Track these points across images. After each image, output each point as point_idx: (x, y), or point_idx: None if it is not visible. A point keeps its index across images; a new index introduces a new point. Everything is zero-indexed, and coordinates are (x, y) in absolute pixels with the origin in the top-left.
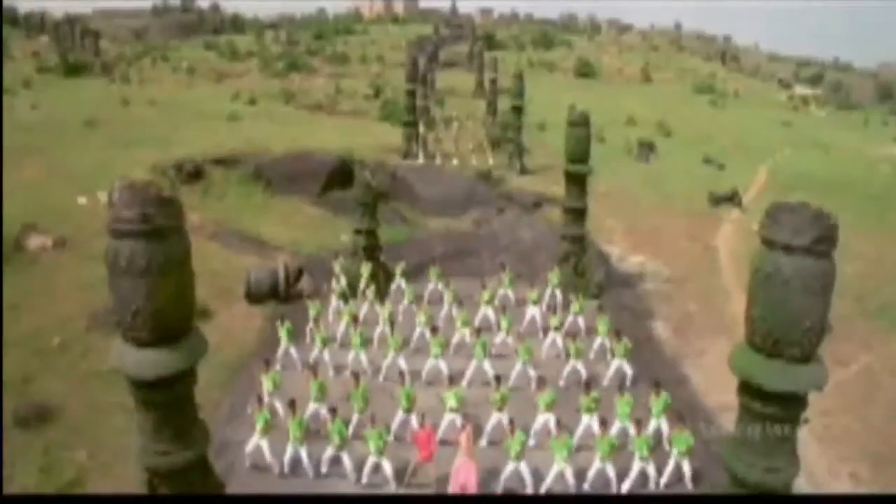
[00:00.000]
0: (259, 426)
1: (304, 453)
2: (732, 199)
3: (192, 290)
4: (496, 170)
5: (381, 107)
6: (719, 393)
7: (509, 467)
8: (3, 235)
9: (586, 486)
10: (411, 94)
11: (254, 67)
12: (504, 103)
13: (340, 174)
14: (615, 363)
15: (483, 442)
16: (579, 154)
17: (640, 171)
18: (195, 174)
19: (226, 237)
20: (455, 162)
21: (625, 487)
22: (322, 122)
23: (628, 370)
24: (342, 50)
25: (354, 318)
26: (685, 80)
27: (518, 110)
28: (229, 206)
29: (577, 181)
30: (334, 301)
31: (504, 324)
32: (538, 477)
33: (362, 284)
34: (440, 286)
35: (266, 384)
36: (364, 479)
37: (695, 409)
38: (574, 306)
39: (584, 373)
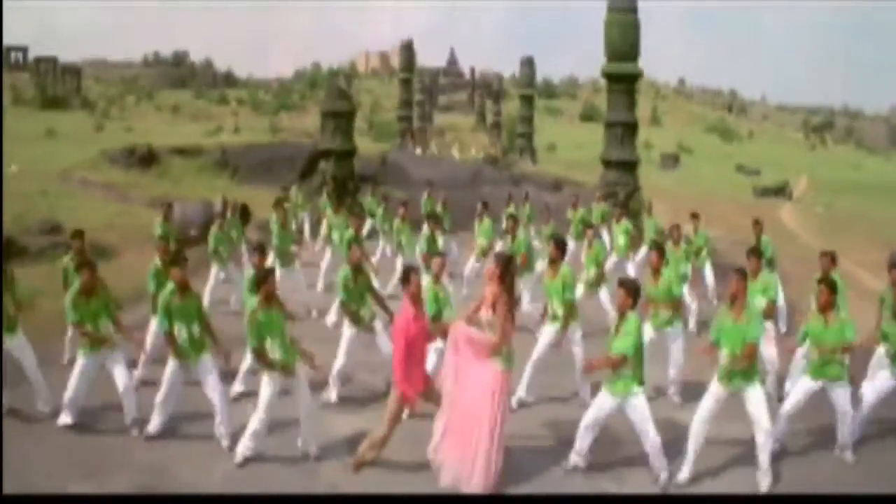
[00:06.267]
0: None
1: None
2: (783, 190)
3: None
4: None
5: (375, 132)
6: None
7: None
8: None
9: None
10: (406, 82)
11: (242, 112)
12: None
13: (322, 159)
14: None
15: (521, 391)
16: (626, 48)
17: (667, 175)
18: (148, 159)
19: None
20: (456, 154)
21: None
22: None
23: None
24: None
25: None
26: (695, 125)
27: (529, 100)
28: (184, 190)
29: (623, 87)
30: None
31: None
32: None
33: (324, 227)
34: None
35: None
36: (248, 446)
37: None
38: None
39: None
